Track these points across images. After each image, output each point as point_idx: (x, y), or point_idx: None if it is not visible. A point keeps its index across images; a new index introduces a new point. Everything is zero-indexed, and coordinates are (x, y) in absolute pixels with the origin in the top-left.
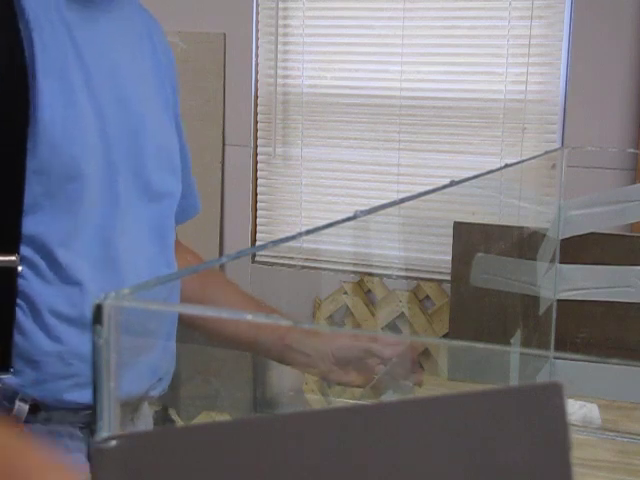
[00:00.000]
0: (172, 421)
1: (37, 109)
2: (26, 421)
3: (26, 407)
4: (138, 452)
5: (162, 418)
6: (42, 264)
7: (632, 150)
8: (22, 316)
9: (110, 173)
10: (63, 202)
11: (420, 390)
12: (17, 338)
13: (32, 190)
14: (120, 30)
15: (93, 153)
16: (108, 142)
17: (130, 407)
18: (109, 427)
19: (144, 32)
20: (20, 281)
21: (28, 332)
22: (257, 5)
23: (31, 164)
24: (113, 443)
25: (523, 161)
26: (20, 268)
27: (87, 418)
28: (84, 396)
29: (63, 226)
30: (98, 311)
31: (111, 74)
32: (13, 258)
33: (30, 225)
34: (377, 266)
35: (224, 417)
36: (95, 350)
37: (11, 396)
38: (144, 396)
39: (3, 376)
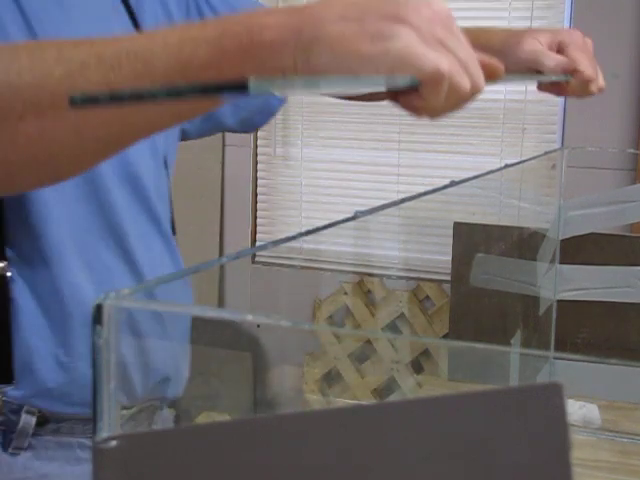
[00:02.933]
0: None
1: None
2: (34, 433)
3: (33, 419)
4: (138, 452)
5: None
6: (29, 265)
7: (632, 150)
8: (17, 322)
9: None
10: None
11: (420, 390)
12: (15, 346)
13: None
14: None
15: None
16: None
17: (146, 411)
18: (109, 427)
19: None
20: (12, 286)
21: (25, 338)
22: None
23: None
24: (113, 443)
25: (523, 161)
26: (9, 274)
27: None
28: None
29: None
30: (98, 311)
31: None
32: (1, 265)
33: None
34: (377, 266)
35: (224, 417)
36: (95, 350)
37: (16, 409)
38: (153, 398)
39: (5, 388)
